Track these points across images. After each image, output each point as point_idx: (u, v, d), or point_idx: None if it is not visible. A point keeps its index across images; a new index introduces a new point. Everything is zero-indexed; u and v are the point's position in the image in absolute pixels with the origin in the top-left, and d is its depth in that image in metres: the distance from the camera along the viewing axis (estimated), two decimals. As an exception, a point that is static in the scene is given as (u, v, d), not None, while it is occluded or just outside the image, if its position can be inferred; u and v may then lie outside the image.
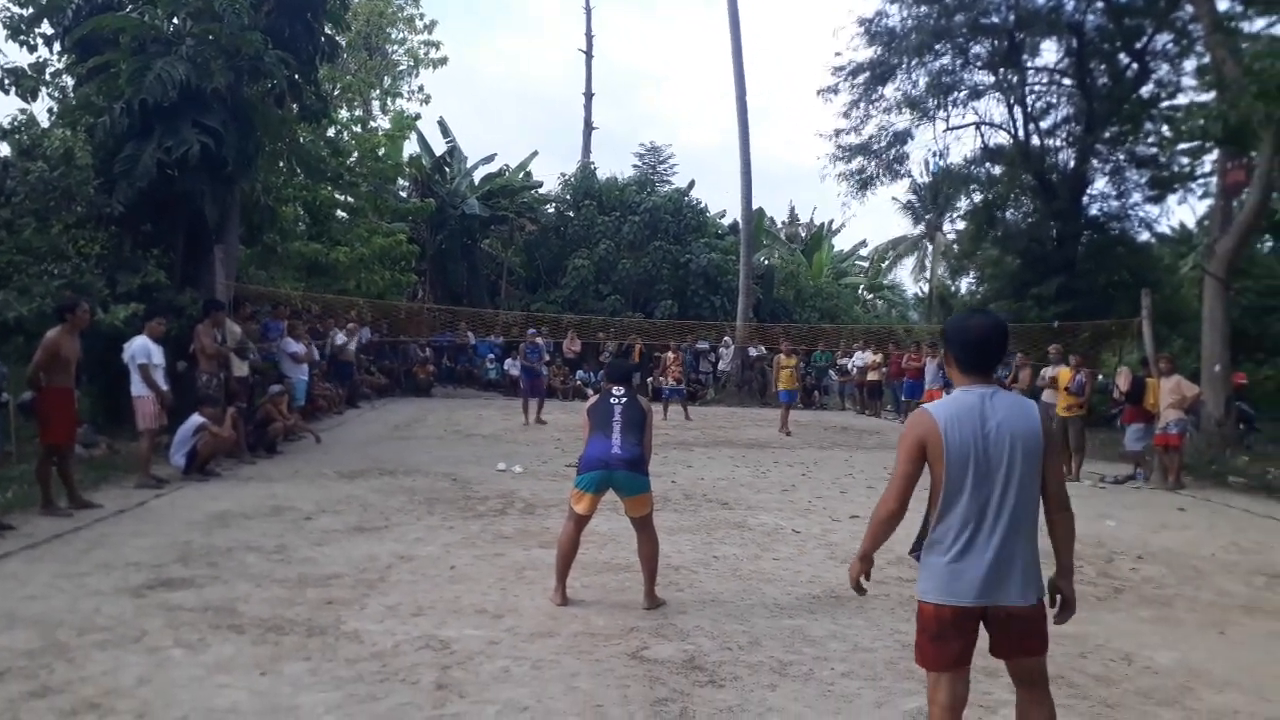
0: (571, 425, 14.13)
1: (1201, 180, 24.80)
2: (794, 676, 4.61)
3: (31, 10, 12.43)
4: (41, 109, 12.95)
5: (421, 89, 29.39)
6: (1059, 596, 3.14)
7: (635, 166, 31.75)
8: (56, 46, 12.70)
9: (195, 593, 5.61)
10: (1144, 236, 25.53)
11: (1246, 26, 18.56)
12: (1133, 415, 12.36)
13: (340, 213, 22.41)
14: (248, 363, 11.98)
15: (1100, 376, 15.68)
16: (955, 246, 31.99)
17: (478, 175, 28.93)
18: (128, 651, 4.58)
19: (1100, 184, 24.62)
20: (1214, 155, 21.80)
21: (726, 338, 24.84)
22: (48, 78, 12.93)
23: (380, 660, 4.60)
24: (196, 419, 9.78)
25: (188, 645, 4.70)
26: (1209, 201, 24.69)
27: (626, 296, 27.29)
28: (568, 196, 29.72)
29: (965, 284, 31.91)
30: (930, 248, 39.57)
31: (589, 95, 37.01)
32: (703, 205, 30.19)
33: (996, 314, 3.34)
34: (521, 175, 29.65)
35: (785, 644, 5.08)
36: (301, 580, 5.97)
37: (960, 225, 29.82)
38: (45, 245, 11.67)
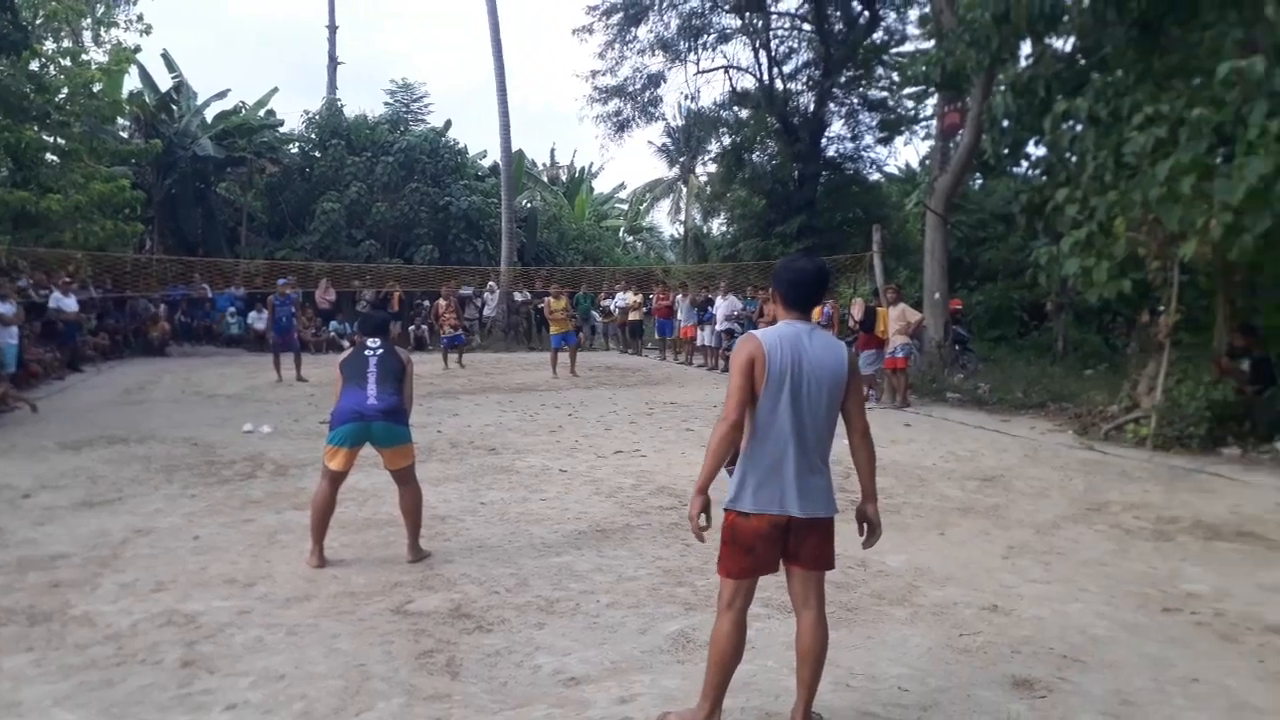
0: (326, 380, 13.48)
1: (923, 123, 27.11)
2: (561, 613, 4.69)
3: None
4: None
5: (141, 19, 26.45)
6: (865, 523, 3.46)
7: (387, 104, 30.29)
8: None
9: (-116, 591, 4.93)
10: (875, 176, 27.66)
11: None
12: (866, 342, 13.39)
13: (50, 156, 19.97)
14: (-60, 327, 10.57)
15: (840, 307, 16.84)
16: (707, 188, 33.13)
17: (210, 113, 26.60)
18: None
19: (837, 126, 26.35)
20: (934, 99, 23.82)
21: (491, 283, 24.56)
22: None
23: (116, 642, 4.24)
24: (-124, 394, 8.52)
25: (-124, 651, 4.13)
26: (930, 143, 27.04)
27: (383, 242, 26.25)
28: (313, 136, 27.95)
29: (717, 225, 33.20)
30: (685, 190, 40.75)
31: (333, 28, 34.83)
32: (461, 146, 29.44)
33: (820, 259, 3.63)
34: (262, 113, 27.56)
35: (552, 582, 5.16)
36: (21, 564, 5.38)
37: (711, 168, 30.95)
38: None
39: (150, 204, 23.16)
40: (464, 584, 5.12)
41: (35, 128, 18.38)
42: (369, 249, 25.58)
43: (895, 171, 30.31)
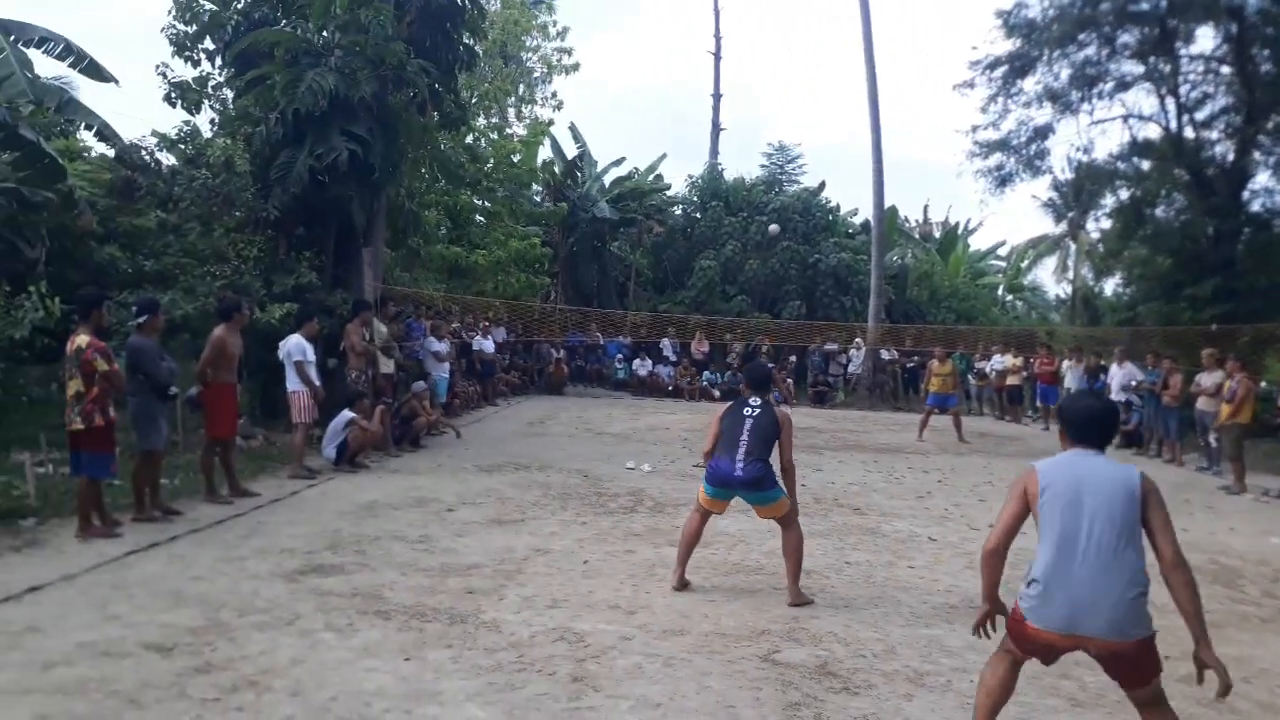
0: (697, 426, 14.13)
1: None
2: (931, 687, 4.50)
3: (195, 28, 13.12)
4: (204, 120, 13.60)
5: (554, 95, 30.00)
6: (1201, 669, 3.24)
7: (763, 166, 31.39)
8: (218, 61, 13.35)
9: (344, 579, 5.89)
10: (1315, 235, 23.73)
11: None
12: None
13: (478, 217, 23.07)
14: (393, 360, 12.42)
15: (1264, 383, 14.59)
16: (1100, 246, 30.49)
17: (608, 179, 29.27)
18: (283, 633, 4.85)
19: (1263, 178, 22.96)
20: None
21: (857, 339, 24.35)
22: (210, 91, 13.57)
23: (517, 650, 4.72)
24: (347, 414, 10.23)
25: (337, 629, 4.94)
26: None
27: (754, 297, 27.13)
28: (695, 198, 29.75)
29: (1111, 285, 30.39)
30: (1073, 247, 37.80)
31: (717, 96, 36.90)
32: (833, 205, 29.74)
33: (1109, 400, 3.84)
34: (651, 178, 29.82)
35: (922, 653, 4.97)
36: (443, 570, 6.19)
37: (1105, 224, 28.45)
38: (208, 248, 12.51)
39: (555, 260, 25.86)
40: (829, 642, 5.09)
41: (468, 193, 21.32)
42: (740, 304, 26.57)
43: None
